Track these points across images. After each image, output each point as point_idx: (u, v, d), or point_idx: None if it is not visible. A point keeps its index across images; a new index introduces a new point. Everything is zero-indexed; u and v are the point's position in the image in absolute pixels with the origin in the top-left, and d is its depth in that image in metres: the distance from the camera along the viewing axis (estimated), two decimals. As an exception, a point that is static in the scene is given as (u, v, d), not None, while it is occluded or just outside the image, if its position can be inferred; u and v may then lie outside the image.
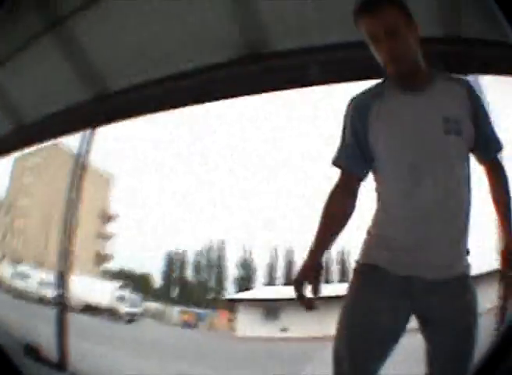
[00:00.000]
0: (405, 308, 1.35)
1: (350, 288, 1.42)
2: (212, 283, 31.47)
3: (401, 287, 1.32)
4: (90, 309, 20.59)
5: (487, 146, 1.41)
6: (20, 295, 19.04)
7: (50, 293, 21.02)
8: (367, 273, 1.39)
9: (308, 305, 1.35)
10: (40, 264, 24.46)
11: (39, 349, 4.47)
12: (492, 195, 1.43)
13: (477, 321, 1.34)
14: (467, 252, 1.38)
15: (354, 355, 1.35)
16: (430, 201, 1.29)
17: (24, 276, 20.40)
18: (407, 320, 1.37)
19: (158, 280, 31.66)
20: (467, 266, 1.38)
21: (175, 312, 24.37)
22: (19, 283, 20.03)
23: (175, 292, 28.03)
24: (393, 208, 1.38)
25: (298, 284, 1.34)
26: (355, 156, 1.41)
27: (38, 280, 20.59)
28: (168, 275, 29.30)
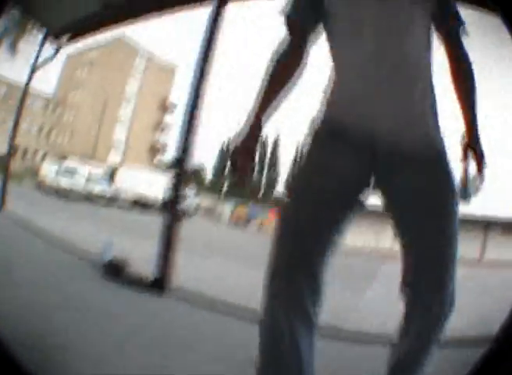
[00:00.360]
0: (365, 174, 1.23)
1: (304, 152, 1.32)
2: (264, 181, 31.79)
3: (361, 144, 1.20)
4: (141, 204, 20.77)
5: (446, 13, 1.29)
6: (66, 194, 18.86)
7: (99, 188, 21.04)
8: (323, 130, 1.27)
9: (242, 180, 1.31)
10: (89, 159, 24.48)
11: (124, 265, 3.78)
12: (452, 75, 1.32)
13: (454, 213, 1.22)
14: (439, 133, 1.26)
15: (299, 229, 1.20)
16: (378, 54, 1.18)
17: (71, 172, 20.12)
18: (362, 187, 1.25)
19: (210, 175, 32.11)
20: (439, 147, 1.25)
21: (226, 208, 24.59)
22: (65, 181, 19.79)
23: (226, 188, 28.35)
24: (345, 64, 1.27)
25: (238, 153, 1.21)
26: (306, 8, 1.30)
27: (86, 175, 20.39)
28: (221, 170, 29.39)
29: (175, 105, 34.12)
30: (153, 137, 33.75)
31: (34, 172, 21.59)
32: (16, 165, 16.10)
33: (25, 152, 27.07)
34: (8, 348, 1.36)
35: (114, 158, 29.97)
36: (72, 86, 31.44)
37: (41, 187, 19.73)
